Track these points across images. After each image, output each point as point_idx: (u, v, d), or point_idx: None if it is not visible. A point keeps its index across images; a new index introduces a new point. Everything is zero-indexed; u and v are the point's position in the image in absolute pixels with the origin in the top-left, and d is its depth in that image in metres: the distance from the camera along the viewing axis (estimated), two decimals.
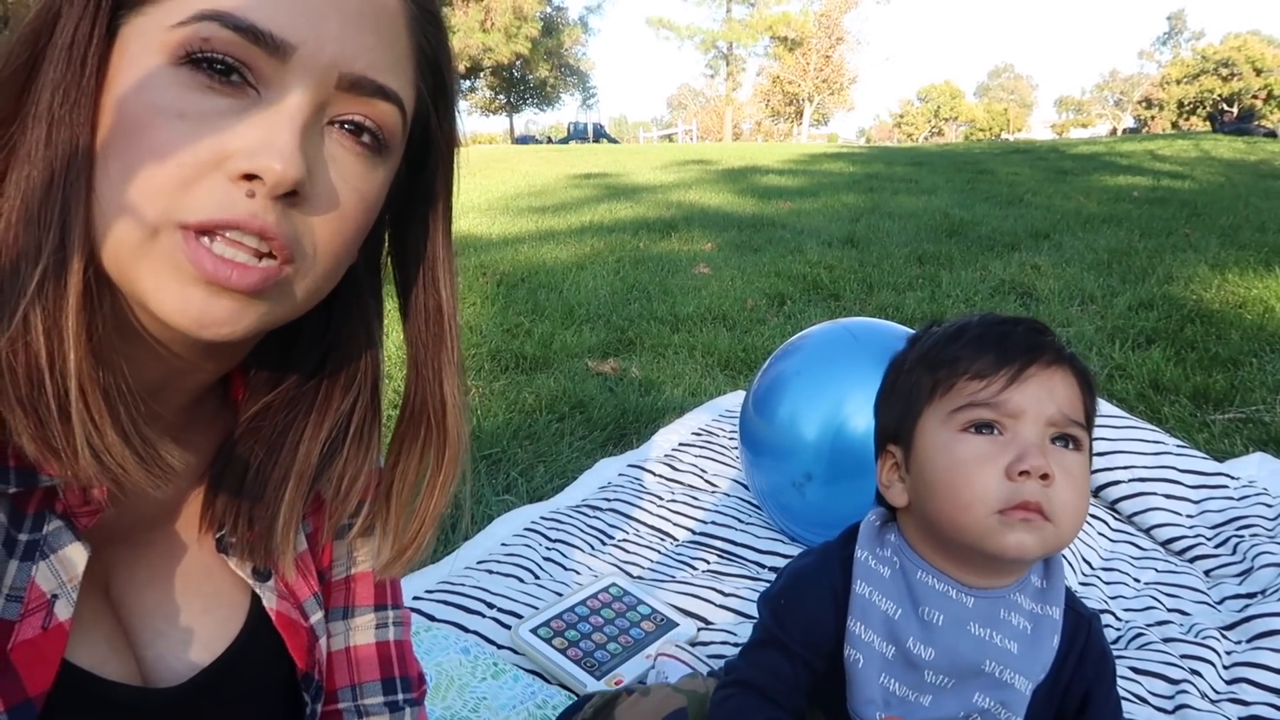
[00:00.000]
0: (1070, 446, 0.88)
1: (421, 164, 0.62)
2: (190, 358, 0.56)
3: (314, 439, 0.63)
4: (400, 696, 0.76)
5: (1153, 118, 58.54)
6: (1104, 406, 2.21)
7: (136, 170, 0.47)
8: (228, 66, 0.48)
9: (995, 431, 0.87)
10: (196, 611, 0.62)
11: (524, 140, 43.88)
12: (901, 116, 76.02)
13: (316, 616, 0.68)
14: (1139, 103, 63.65)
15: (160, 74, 0.48)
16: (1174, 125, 52.15)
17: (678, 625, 1.60)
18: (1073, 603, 0.96)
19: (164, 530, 0.63)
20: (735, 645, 1.53)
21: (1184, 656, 1.48)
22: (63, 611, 0.51)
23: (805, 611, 0.97)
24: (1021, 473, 0.83)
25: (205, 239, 0.48)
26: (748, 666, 0.99)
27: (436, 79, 0.60)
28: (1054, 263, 4.83)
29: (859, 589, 0.94)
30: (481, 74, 40.60)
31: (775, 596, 1.01)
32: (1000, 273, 4.62)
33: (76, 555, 0.52)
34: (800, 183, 9.91)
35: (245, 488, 0.63)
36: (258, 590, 0.64)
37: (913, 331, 1.88)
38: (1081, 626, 0.95)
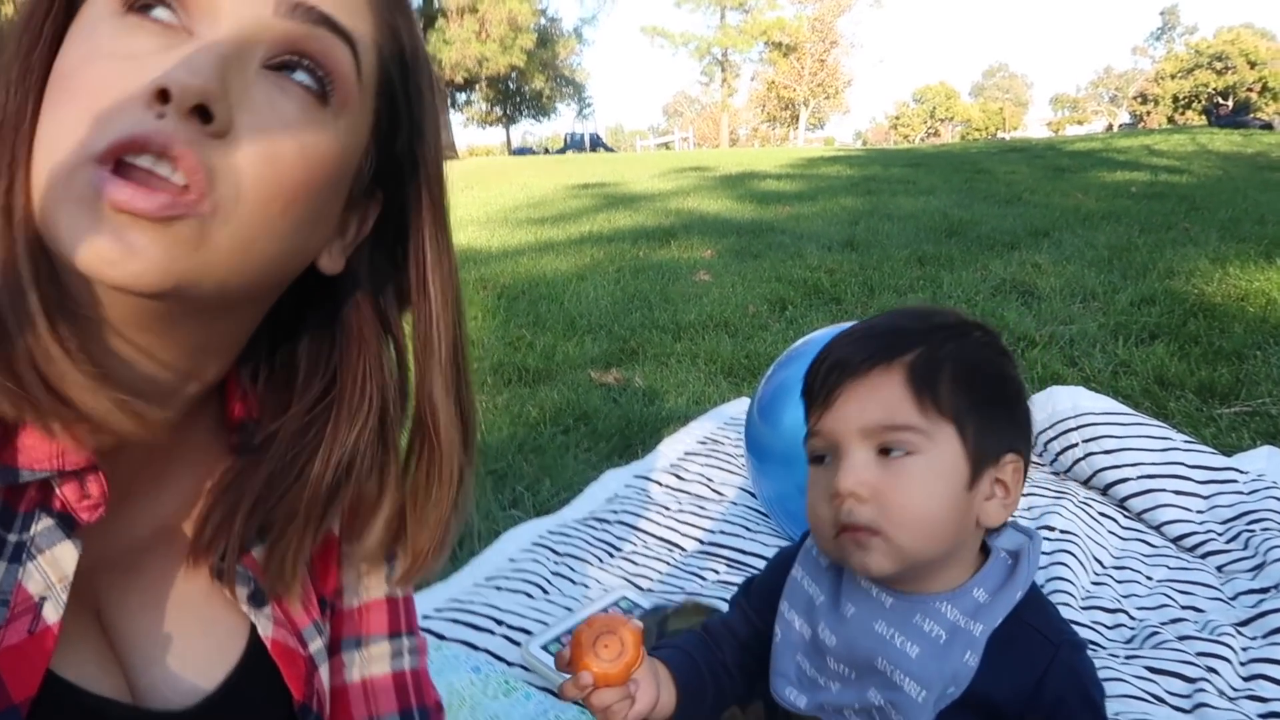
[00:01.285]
0: (900, 453, 0.84)
1: (391, 144, 0.59)
2: (147, 341, 0.53)
3: (322, 471, 0.61)
4: None
5: (1148, 113, 58.55)
6: (1110, 404, 2.20)
7: (60, 111, 0.47)
8: (166, 6, 0.48)
9: (826, 460, 0.88)
10: (192, 638, 0.61)
11: (521, 152, 43.97)
12: (897, 118, 76.11)
13: (316, 645, 0.66)
14: (1134, 98, 63.69)
15: (101, 24, 0.48)
16: (1170, 120, 52.14)
17: None
18: (1041, 626, 0.87)
19: (159, 554, 0.62)
20: None
21: (1200, 654, 1.47)
22: (50, 614, 0.49)
23: (764, 581, 1.04)
24: (836, 496, 0.84)
25: (116, 172, 0.46)
26: (715, 620, 1.08)
27: (400, 49, 0.57)
28: (1054, 260, 4.82)
29: (795, 572, 0.99)
30: (477, 86, 40.70)
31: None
32: (1001, 272, 4.61)
33: (65, 555, 0.50)
34: (798, 187, 9.91)
35: (248, 517, 0.61)
36: (253, 618, 0.62)
37: None
38: (1044, 653, 0.85)
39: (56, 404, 0.47)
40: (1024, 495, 1.73)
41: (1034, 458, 2.13)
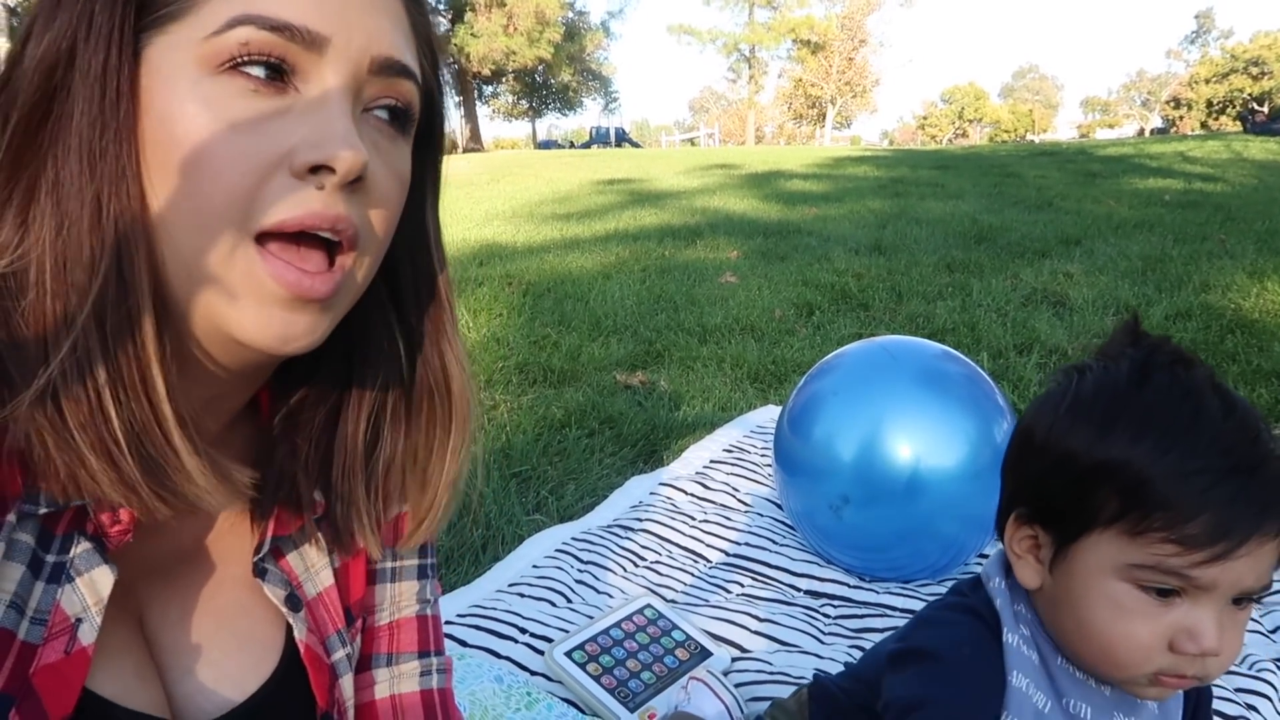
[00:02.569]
0: (1246, 602, 0.76)
1: (428, 137, 0.63)
2: (236, 378, 0.57)
3: (355, 430, 0.64)
4: None
5: (1181, 118, 57.82)
6: None
7: (199, 187, 0.47)
8: (270, 67, 0.48)
9: (1174, 596, 0.75)
10: (229, 649, 0.62)
11: (546, 145, 44.04)
12: (925, 118, 75.58)
13: (338, 654, 0.67)
14: (1167, 102, 62.90)
15: (202, 86, 0.47)
16: (1203, 125, 51.49)
17: (712, 654, 1.57)
18: None
19: (198, 563, 0.63)
20: (770, 675, 1.50)
21: (1239, 690, 1.44)
22: (86, 636, 0.50)
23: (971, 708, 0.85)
24: (1187, 647, 0.74)
25: (275, 247, 0.49)
26: None
27: (431, 56, 0.61)
28: (1086, 270, 4.75)
29: (1015, 681, 0.84)
30: (504, 79, 40.76)
31: (928, 681, 0.88)
32: (1032, 281, 4.55)
33: (102, 578, 0.51)
34: (825, 187, 9.85)
35: (294, 483, 0.63)
36: (290, 620, 0.63)
37: (956, 354, 1.83)
38: (1204, 692, 0.91)
39: (170, 498, 0.49)
40: None
41: None
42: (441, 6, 36.12)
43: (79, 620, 0.50)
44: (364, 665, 0.73)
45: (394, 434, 0.65)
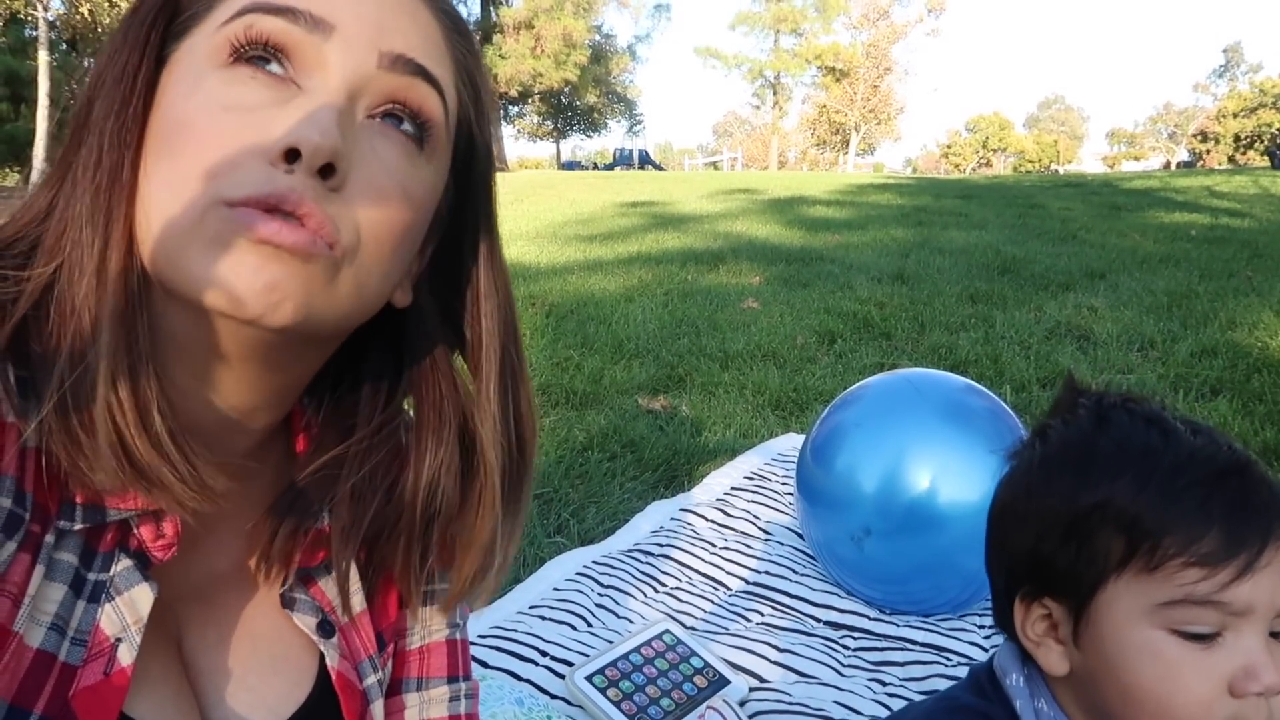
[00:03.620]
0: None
1: (466, 179, 0.61)
2: (240, 371, 0.55)
3: (415, 489, 0.62)
4: None
5: (1208, 152, 57.50)
6: None
7: (181, 161, 0.48)
8: (269, 54, 0.50)
9: (1215, 638, 0.70)
10: (265, 674, 0.62)
11: (569, 166, 44.33)
12: (949, 147, 75.50)
13: (370, 680, 0.67)
14: (1194, 136, 62.59)
15: (207, 76, 0.50)
16: (1230, 160, 51.16)
17: (730, 683, 1.57)
18: None
19: (236, 588, 0.63)
20: (789, 706, 1.50)
21: None
22: (125, 657, 0.50)
23: None
24: (1248, 689, 0.69)
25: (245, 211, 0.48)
26: None
27: (474, 90, 0.60)
28: (1110, 304, 4.73)
29: None
30: (531, 100, 41.14)
31: None
32: (1055, 314, 4.54)
33: (142, 597, 0.51)
34: (848, 214, 9.87)
35: (305, 527, 0.63)
36: (322, 647, 0.63)
37: (982, 390, 1.83)
38: None
39: (123, 464, 0.48)
40: None
41: None
42: (471, 27, 36.65)
43: (118, 640, 0.50)
44: (394, 690, 0.73)
45: (452, 494, 0.63)
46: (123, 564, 0.51)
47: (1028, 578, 0.79)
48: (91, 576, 0.49)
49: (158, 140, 0.50)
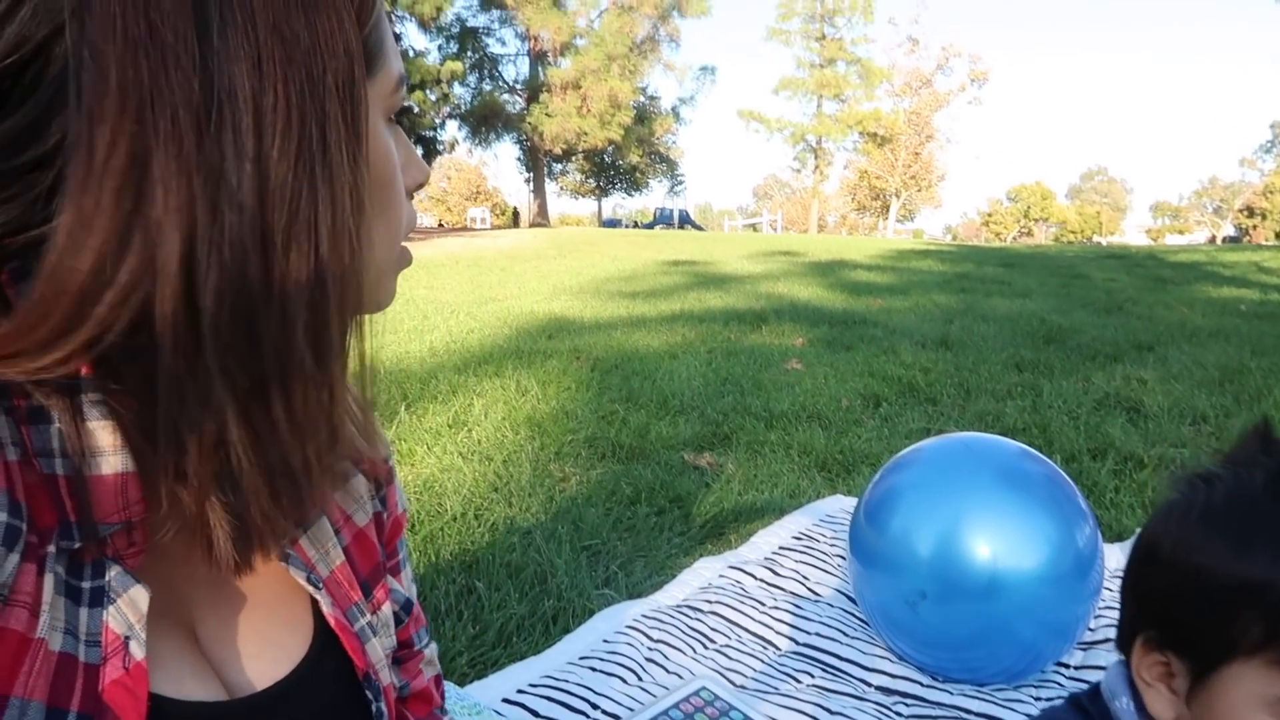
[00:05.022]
0: None
1: None
2: None
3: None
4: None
5: (1255, 227, 56.83)
6: None
7: (391, 219, 0.58)
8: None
9: None
10: (271, 625, 0.66)
11: (610, 224, 44.86)
12: (990, 215, 75.45)
13: (359, 624, 0.70)
14: (1240, 211, 61.94)
15: (385, 133, 0.57)
16: (1277, 235, 50.45)
17: None
18: None
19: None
20: None
21: None
22: (137, 652, 0.52)
23: None
24: None
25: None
26: None
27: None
28: (1160, 377, 4.68)
29: None
30: (574, 158, 41.92)
31: None
32: (1104, 385, 4.50)
33: (139, 596, 0.53)
34: (890, 279, 9.88)
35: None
36: (316, 596, 0.67)
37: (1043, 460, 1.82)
38: None
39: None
40: None
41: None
42: (519, 86, 37.50)
43: (128, 638, 0.52)
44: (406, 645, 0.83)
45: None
46: (114, 570, 0.53)
47: (1154, 625, 0.77)
48: (85, 585, 0.52)
49: (378, 195, 0.56)
